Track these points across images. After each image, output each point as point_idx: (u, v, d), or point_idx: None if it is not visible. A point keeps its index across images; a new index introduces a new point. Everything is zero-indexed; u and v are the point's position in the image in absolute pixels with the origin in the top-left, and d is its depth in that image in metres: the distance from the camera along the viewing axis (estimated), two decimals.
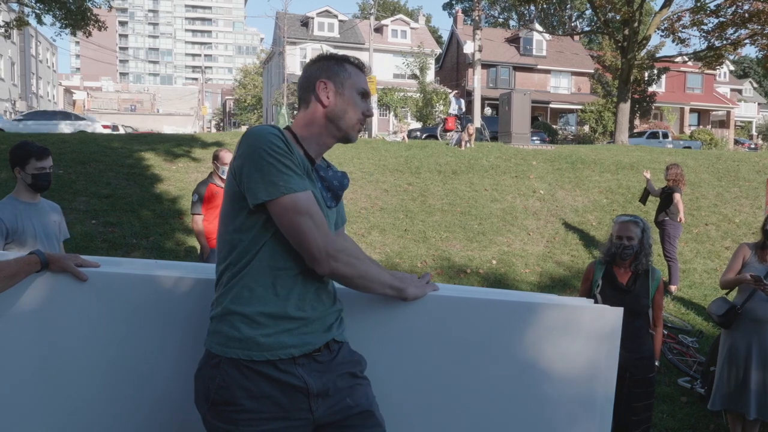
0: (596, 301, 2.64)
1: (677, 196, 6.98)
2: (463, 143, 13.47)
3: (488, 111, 30.91)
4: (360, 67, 1.68)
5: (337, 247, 1.54)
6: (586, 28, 43.83)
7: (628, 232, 3.06)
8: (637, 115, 29.80)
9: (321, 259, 1.50)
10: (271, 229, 1.52)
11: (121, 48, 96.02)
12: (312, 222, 1.49)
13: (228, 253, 1.56)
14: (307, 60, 1.74)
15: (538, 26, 37.47)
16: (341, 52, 1.85)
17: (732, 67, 45.88)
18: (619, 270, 3.15)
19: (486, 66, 32.68)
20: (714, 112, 39.56)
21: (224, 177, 4.88)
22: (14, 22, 18.20)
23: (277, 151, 1.49)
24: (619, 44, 19.79)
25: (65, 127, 19.11)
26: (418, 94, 27.96)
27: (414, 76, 29.34)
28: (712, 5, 19.23)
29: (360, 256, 1.63)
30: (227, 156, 4.87)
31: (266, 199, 1.48)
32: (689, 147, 23.03)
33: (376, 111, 25.52)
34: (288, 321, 1.53)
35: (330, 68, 1.65)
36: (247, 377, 1.49)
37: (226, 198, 1.58)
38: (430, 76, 31.84)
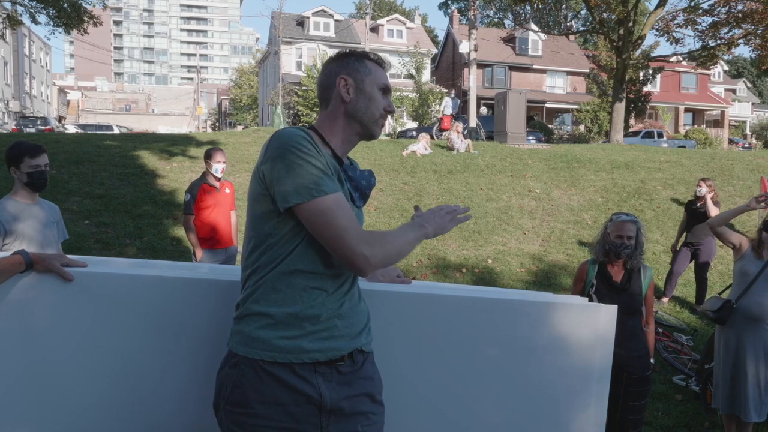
0: (591, 301, 2.64)
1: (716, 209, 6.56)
2: (463, 147, 13.33)
3: (484, 110, 30.91)
4: (380, 63, 1.67)
5: (369, 242, 1.47)
6: (582, 28, 43.95)
7: (627, 231, 3.09)
8: (632, 114, 29.86)
9: (358, 262, 1.45)
10: (303, 232, 1.48)
11: (115, 47, 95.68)
12: (345, 224, 1.44)
13: (257, 257, 1.52)
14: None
15: (533, 26, 37.54)
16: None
17: (726, 67, 46.09)
18: (613, 268, 3.16)
19: (482, 66, 32.68)
20: (708, 112, 39.75)
21: (217, 176, 4.85)
22: (7, 22, 18.10)
23: (306, 152, 1.46)
24: (615, 44, 19.84)
25: None
26: (414, 94, 27.96)
27: (410, 76, 29.33)
28: (705, 5, 19.34)
29: (386, 237, 1.54)
30: (219, 155, 4.84)
31: (297, 202, 1.44)
32: (684, 146, 23.13)
33: None
34: (315, 322, 1.49)
35: (350, 64, 1.63)
36: (262, 380, 1.46)
37: (252, 203, 1.55)
38: (426, 75, 31.83)
